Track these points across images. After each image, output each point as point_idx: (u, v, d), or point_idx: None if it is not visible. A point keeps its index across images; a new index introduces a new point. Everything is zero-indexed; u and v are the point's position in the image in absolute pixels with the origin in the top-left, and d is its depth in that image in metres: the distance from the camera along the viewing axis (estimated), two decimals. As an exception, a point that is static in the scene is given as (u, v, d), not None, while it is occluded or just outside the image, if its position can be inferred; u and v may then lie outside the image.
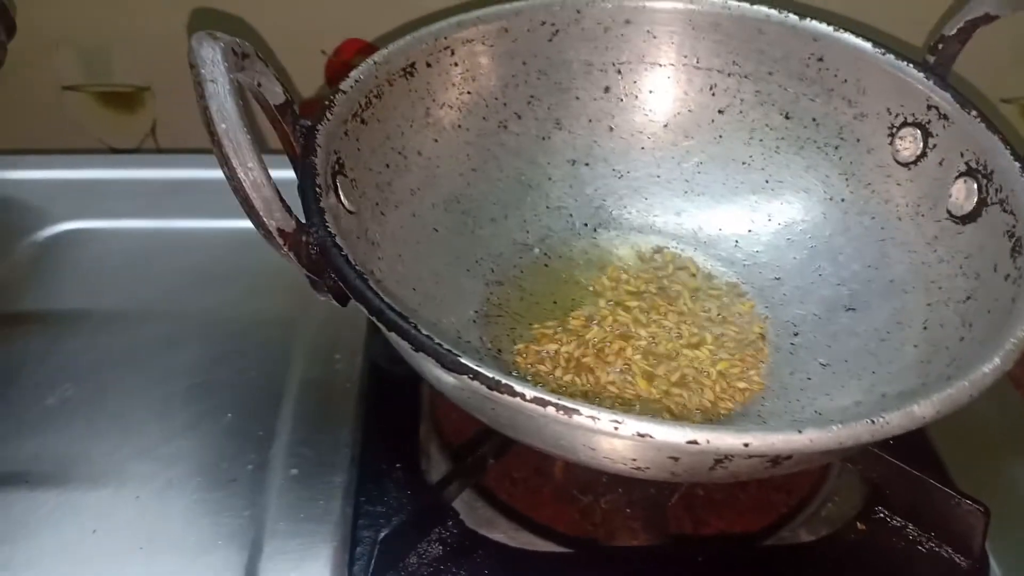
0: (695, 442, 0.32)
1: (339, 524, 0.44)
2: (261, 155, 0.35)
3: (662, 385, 0.47)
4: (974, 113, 0.47)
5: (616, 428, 0.32)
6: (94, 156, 0.68)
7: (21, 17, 0.58)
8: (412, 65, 0.49)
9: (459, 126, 0.52)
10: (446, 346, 0.34)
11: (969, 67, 0.52)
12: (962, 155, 0.47)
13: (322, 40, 0.67)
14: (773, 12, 0.53)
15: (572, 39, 0.54)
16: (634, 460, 0.36)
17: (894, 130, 0.51)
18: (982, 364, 0.36)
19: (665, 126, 0.56)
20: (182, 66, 0.36)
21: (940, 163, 0.49)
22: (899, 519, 0.45)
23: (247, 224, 0.36)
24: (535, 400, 0.33)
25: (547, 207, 0.55)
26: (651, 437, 0.32)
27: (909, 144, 0.50)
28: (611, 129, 0.56)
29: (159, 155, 0.72)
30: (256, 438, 0.48)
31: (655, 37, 0.55)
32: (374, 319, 0.36)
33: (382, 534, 0.43)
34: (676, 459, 0.35)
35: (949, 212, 0.48)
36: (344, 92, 0.45)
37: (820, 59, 0.52)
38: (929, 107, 0.49)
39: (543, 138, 0.55)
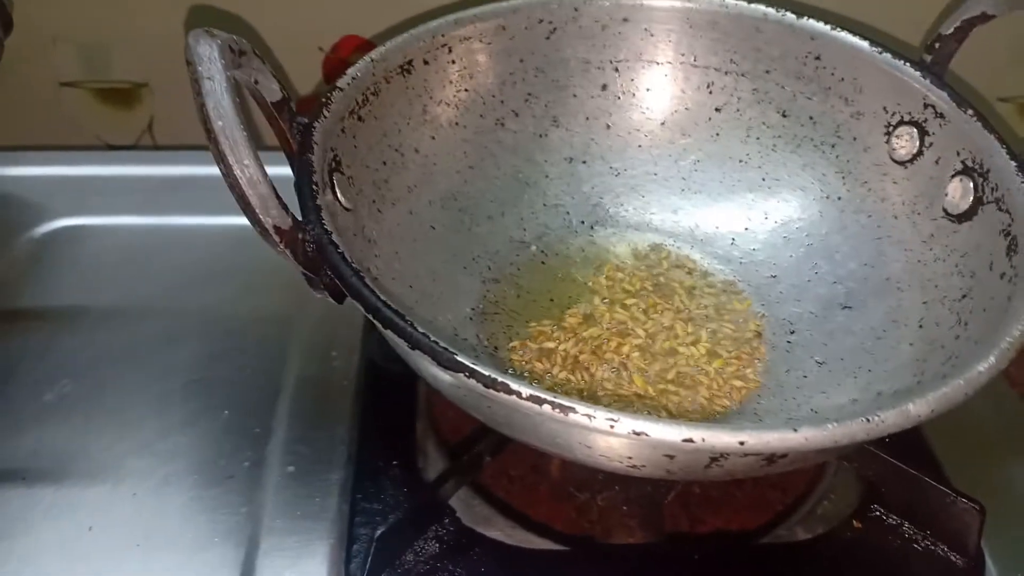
0: (690, 440, 0.32)
1: (336, 521, 0.44)
2: (257, 152, 0.35)
3: (658, 383, 0.47)
4: (970, 112, 0.47)
5: (612, 426, 0.32)
6: (91, 152, 0.68)
7: (19, 13, 0.58)
8: (409, 62, 0.49)
9: (456, 124, 0.52)
10: (442, 344, 0.34)
11: (966, 66, 0.52)
12: (958, 154, 0.47)
13: (319, 37, 0.67)
14: (771, 10, 0.53)
15: (570, 37, 0.54)
16: (630, 458, 0.36)
17: (890, 128, 0.51)
18: (978, 362, 0.36)
19: (662, 124, 0.56)
20: (180, 63, 0.36)
21: (936, 162, 0.49)
22: (895, 517, 0.45)
23: (244, 221, 0.36)
24: (531, 398, 0.33)
25: (544, 205, 0.55)
26: (647, 435, 0.32)
27: (905, 143, 0.50)
28: (608, 127, 0.56)
29: (156, 152, 0.71)
30: (253, 435, 0.48)
31: (653, 35, 0.55)
32: (370, 316, 0.36)
33: (379, 531, 0.42)
34: (672, 457, 0.35)
35: (945, 210, 0.48)
36: (341, 89, 0.45)
37: (817, 58, 0.52)
38: (926, 106, 0.49)
39: (540, 136, 0.55)
